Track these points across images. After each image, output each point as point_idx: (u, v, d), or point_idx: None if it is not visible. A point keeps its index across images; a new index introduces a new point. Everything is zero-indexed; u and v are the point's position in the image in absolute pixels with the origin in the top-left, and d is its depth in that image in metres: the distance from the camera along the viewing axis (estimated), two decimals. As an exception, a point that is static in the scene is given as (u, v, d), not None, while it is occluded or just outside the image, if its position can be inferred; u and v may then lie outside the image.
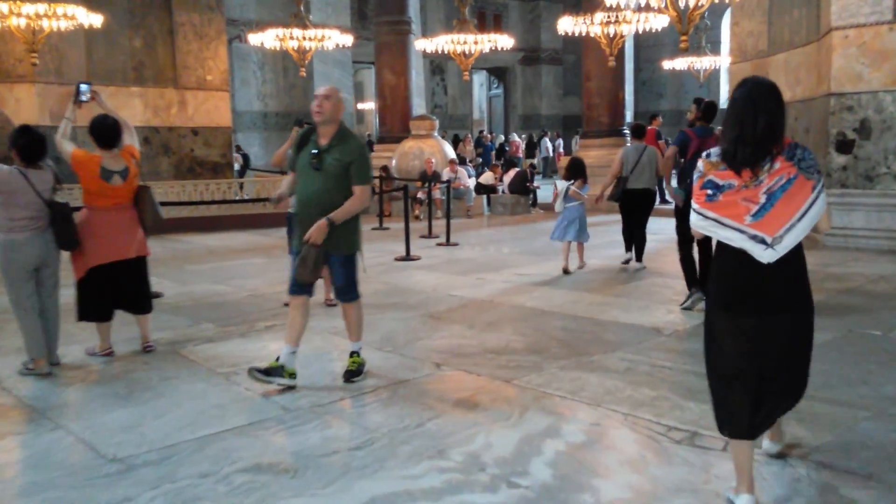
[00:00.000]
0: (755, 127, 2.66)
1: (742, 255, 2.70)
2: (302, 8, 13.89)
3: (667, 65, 21.35)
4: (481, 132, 25.45)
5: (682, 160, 5.95)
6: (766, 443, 3.12)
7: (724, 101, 28.15)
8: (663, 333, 5.20)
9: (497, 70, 28.89)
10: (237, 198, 13.96)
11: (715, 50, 22.45)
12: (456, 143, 25.04)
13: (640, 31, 12.99)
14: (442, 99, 26.91)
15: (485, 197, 15.31)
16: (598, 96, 15.07)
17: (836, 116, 9.03)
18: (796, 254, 2.73)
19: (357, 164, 4.18)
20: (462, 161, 17.41)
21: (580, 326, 5.42)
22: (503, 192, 15.19)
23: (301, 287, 4.22)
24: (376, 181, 14.77)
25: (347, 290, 4.37)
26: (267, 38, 14.01)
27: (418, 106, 19.90)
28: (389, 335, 5.30)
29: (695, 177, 2.83)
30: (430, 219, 11.09)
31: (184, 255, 9.55)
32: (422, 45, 14.48)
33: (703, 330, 2.90)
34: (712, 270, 2.89)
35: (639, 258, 7.97)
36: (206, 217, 12.52)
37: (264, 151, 21.92)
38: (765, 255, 2.67)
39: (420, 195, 14.14)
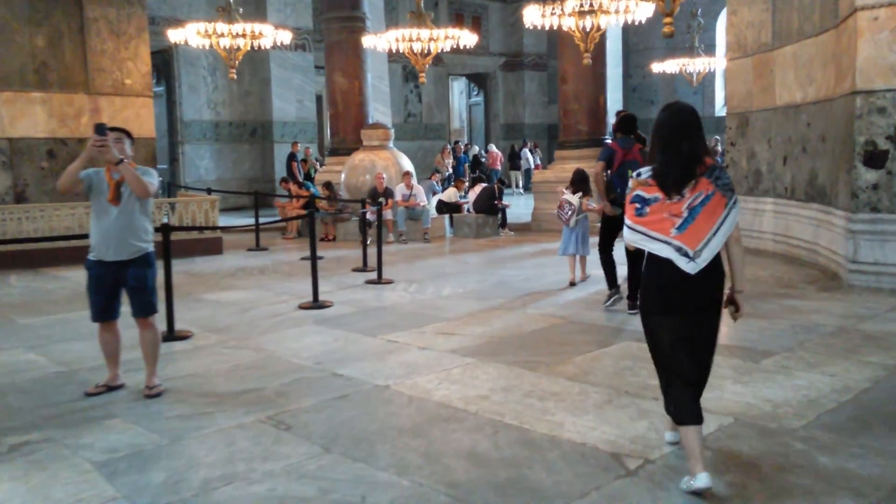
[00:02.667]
0: (680, 152, 3.01)
1: (668, 264, 3.02)
2: (231, 1, 11.97)
3: (657, 67, 19.47)
4: (456, 143, 23.44)
5: (609, 172, 6.33)
6: (701, 476, 2.98)
7: (719, 108, 26.31)
8: (627, 468, 3.21)
9: (477, 76, 26.98)
10: (165, 221, 11.98)
11: (710, 52, 20.58)
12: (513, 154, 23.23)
13: (624, 24, 11.08)
14: (416, 107, 24.93)
15: (447, 217, 13.34)
16: (576, 101, 13.11)
17: (864, 121, 7.09)
18: (715, 262, 3.04)
19: None
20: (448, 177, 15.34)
21: (499, 451, 3.43)
22: (469, 210, 13.23)
23: None
24: (323, 202, 12.85)
25: None
26: (189, 35, 12.07)
27: (382, 114, 17.97)
28: (187, 467, 3.31)
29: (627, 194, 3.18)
30: (366, 247, 9.10)
31: (32, 301, 7.52)
32: (369, 42, 12.53)
33: (644, 334, 3.20)
34: (644, 279, 3.19)
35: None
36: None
37: (215, 164, 19.98)
38: (688, 267, 3.00)
39: (369, 216, 12.17)
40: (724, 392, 4.13)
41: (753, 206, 9.84)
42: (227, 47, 12.38)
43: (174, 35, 12.32)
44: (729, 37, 10.45)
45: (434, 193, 14.48)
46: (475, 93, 27.79)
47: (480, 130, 27.54)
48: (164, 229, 5.92)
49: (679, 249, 2.96)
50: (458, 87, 30.00)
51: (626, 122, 6.49)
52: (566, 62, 13.01)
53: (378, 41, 12.37)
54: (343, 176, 13.32)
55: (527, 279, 8.18)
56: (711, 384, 4.23)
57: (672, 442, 3.40)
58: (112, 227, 4.34)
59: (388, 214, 12.19)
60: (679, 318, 3.04)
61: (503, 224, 13.12)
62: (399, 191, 12.49)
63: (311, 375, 4.67)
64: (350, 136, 14.37)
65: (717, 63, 19.21)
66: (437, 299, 7.13)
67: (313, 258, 6.99)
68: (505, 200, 13.76)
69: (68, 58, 12.10)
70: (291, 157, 18.37)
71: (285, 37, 12.63)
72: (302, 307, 6.80)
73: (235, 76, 12.70)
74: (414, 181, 12.71)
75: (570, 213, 7.54)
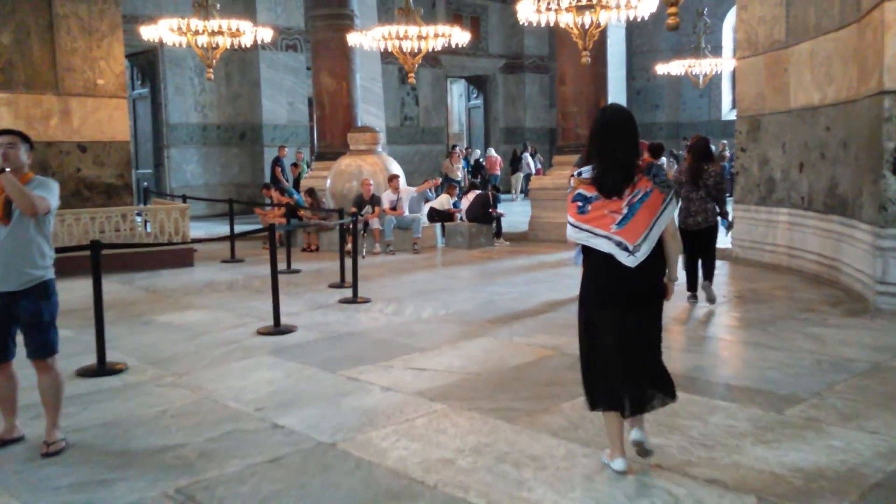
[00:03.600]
0: (616, 156, 3.13)
1: (609, 259, 3.14)
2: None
3: (661, 69, 18.67)
4: (454, 147, 22.61)
5: None
6: (633, 432, 3.20)
7: (726, 112, 25.51)
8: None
9: (476, 79, 26.21)
10: (148, 230, 11.26)
11: (716, 54, 19.81)
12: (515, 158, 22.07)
13: (627, 26, 10.34)
14: (413, 110, 24.16)
15: (438, 226, 12.57)
16: (575, 103, 12.34)
17: (893, 124, 6.32)
18: (653, 254, 3.15)
19: None
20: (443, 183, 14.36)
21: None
22: (461, 218, 12.48)
23: None
24: (306, 210, 12.11)
25: None
26: (163, 32, 11.35)
27: (375, 117, 17.24)
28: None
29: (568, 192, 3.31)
30: (343, 261, 8.33)
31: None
32: (355, 39, 11.77)
33: (578, 324, 3.33)
34: (584, 273, 3.29)
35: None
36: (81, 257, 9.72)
37: (203, 169, 19.25)
38: (628, 261, 3.11)
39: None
40: (742, 456, 3.36)
41: (766, 216, 9.06)
42: (205, 45, 11.66)
43: (147, 32, 11.58)
44: (739, 34, 9.68)
45: (426, 200, 13.73)
46: (474, 95, 27.01)
47: (480, 134, 26.74)
48: (93, 247, 5.17)
49: (619, 244, 3.10)
50: (457, 90, 29.25)
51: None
52: (564, 62, 12.24)
53: (364, 39, 11.63)
54: (328, 182, 12.57)
55: (517, 297, 7.43)
56: (728, 445, 3.48)
57: (637, 440, 3.23)
58: (0, 251, 3.60)
59: (374, 223, 11.45)
60: (618, 310, 3.17)
61: (498, 233, 12.35)
62: (386, 197, 11.74)
63: (246, 427, 3.90)
64: (337, 139, 13.61)
65: (724, 65, 18.43)
66: (414, 323, 6.36)
67: (274, 277, 6.22)
68: (503, 208, 12.99)
69: (36, 56, 11.37)
70: (276, 161, 17.62)
71: (266, 34, 11.90)
72: (261, 332, 6.03)
73: (212, 76, 11.97)
74: (402, 184, 11.94)
75: None
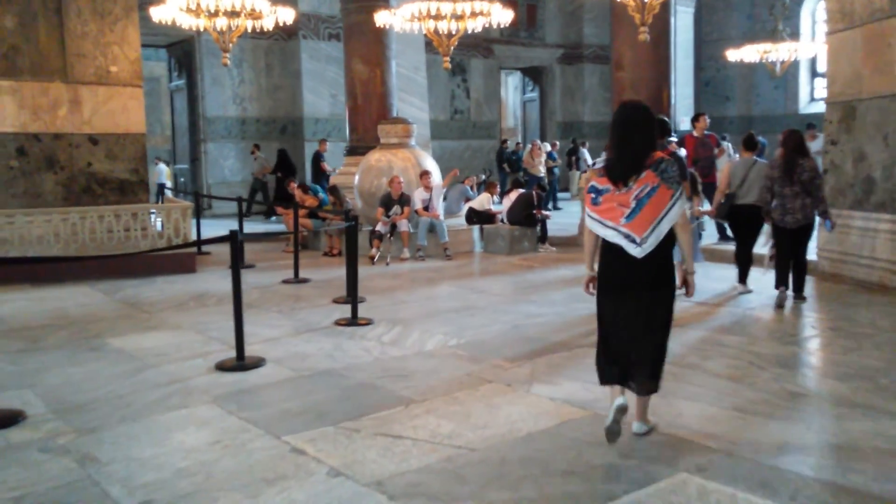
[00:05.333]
0: (632, 147, 3.33)
1: (617, 248, 3.36)
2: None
3: (732, 55, 16.85)
4: (504, 141, 21.16)
5: None
6: (634, 424, 3.50)
7: (804, 104, 23.39)
8: None
9: (532, 70, 24.70)
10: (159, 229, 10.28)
11: (794, 38, 17.88)
12: (574, 151, 19.90)
13: (696, 12, 8.83)
14: (464, 103, 22.81)
15: (476, 228, 11.26)
16: (633, 91, 10.81)
17: None
18: (661, 247, 3.34)
19: None
20: (524, 181, 12.83)
21: None
22: (502, 220, 11.14)
23: None
24: (327, 211, 10.96)
25: None
26: (174, 13, 10.32)
27: (419, 109, 16.02)
28: None
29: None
30: (355, 270, 7.08)
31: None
32: (383, 19, 10.52)
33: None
34: (600, 261, 3.50)
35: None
36: (88, 257, 8.70)
37: (242, 164, 18.34)
38: (636, 252, 3.32)
39: (380, 227, 10.20)
40: None
41: (862, 223, 7.46)
42: (222, 29, 10.61)
43: (157, 13, 10.57)
44: (829, 3, 8.06)
45: (466, 200, 12.43)
46: (530, 88, 25.51)
47: (535, 129, 25.23)
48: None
49: (627, 236, 3.32)
50: (512, 83, 27.81)
51: (659, 126, 6.39)
52: (621, 43, 10.77)
53: (394, 19, 10.38)
54: (356, 179, 11.38)
55: (551, 322, 6.07)
56: None
57: (621, 405, 3.40)
58: None
59: (403, 225, 10.21)
60: (624, 296, 3.40)
61: (543, 238, 10.96)
62: (418, 196, 10.48)
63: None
64: (370, 132, 12.38)
65: (803, 50, 16.54)
66: (413, 357, 5.07)
67: (237, 300, 4.95)
68: (551, 209, 11.58)
69: (43, 41, 10.47)
70: (318, 157, 16.57)
71: (287, 15, 10.75)
72: (220, 367, 4.84)
73: (229, 62, 10.88)
74: (434, 181, 10.66)
75: None
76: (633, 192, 3.28)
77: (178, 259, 8.98)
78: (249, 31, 11.07)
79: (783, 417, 3.83)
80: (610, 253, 3.40)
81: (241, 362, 4.85)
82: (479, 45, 22.19)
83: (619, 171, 3.30)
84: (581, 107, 24.77)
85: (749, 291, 7.14)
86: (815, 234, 6.99)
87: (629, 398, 3.47)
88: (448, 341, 5.46)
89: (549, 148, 19.11)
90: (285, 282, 8.25)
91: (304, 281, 8.28)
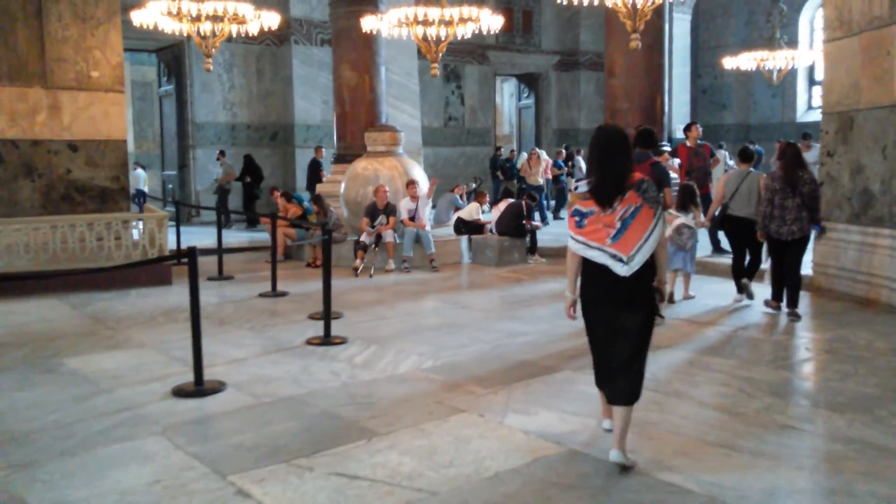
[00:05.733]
0: (612, 171, 3.40)
1: (602, 266, 3.42)
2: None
3: (729, 63, 16.63)
4: (498, 149, 20.88)
5: None
6: (612, 452, 3.38)
7: (801, 113, 23.16)
8: None
9: (528, 77, 24.44)
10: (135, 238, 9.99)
11: (791, 46, 17.63)
12: (569, 158, 19.18)
13: (693, 19, 8.58)
14: (458, 110, 22.53)
15: (464, 239, 10.99)
16: (626, 99, 10.60)
17: None
18: (644, 265, 3.40)
19: None
20: (518, 191, 12.48)
21: None
22: (491, 231, 10.86)
23: None
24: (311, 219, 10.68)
25: None
26: (155, 17, 10.06)
27: (411, 116, 15.74)
28: None
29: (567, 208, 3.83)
30: (328, 285, 6.80)
31: None
32: (369, 24, 10.26)
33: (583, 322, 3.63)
34: (582, 278, 3.57)
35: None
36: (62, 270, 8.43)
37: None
38: (622, 271, 3.38)
39: (364, 238, 9.93)
40: None
41: (859, 238, 7.20)
42: (205, 34, 10.35)
43: (139, 17, 10.31)
44: (828, 10, 7.81)
45: (456, 209, 12.17)
46: (525, 95, 25.26)
47: (531, 136, 24.97)
48: None
49: (614, 256, 3.39)
50: (507, 89, 27.57)
51: (644, 136, 6.74)
52: (614, 50, 10.56)
53: (381, 24, 10.13)
54: (342, 187, 11.12)
55: (534, 341, 5.80)
56: None
57: (607, 429, 3.60)
58: None
59: (388, 236, 9.93)
60: (611, 311, 3.47)
61: (532, 249, 10.69)
62: (404, 206, 10.22)
63: None
64: (358, 140, 12.12)
65: (800, 58, 16.31)
66: (383, 382, 4.78)
67: (195, 318, 4.66)
68: (551, 219, 11.29)
69: (22, 45, 10.20)
70: (315, 164, 16.16)
71: (273, 20, 10.50)
72: (177, 392, 4.55)
73: (211, 67, 10.62)
74: (421, 190, 10.39)
75: (688, 236, 7.23)
76: (618, 212, 3.35)
77: (152, 271, 8.68)
78: (237, 35, 10.82)
79: (772, 456, 3.54)
80: (595, 273, 3.45)
81: (200, 387, 4.57)
82: (474, 51, 21.94)
83: (607, 195, 3.36)
84: (577, 114, 24.52)
85: (751, 298, 7.17)
86: (810, 246, 6.93)
87: (615, 419, 3.46)
88: (423, 363, 5.17)
89: (545, 156, 18.76)
90: (262, 295, 7.97)
91: (283, 294, 8.00)
